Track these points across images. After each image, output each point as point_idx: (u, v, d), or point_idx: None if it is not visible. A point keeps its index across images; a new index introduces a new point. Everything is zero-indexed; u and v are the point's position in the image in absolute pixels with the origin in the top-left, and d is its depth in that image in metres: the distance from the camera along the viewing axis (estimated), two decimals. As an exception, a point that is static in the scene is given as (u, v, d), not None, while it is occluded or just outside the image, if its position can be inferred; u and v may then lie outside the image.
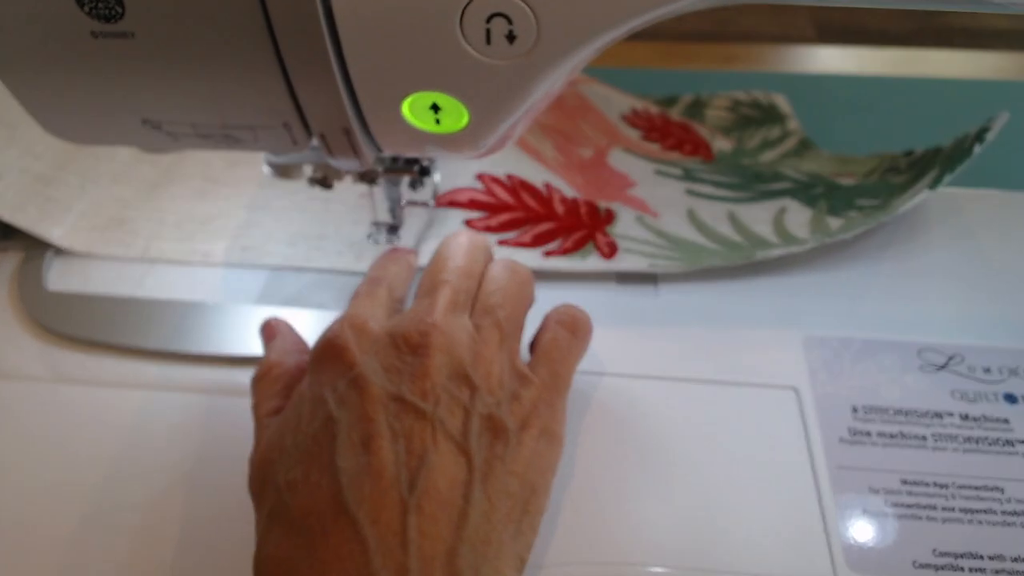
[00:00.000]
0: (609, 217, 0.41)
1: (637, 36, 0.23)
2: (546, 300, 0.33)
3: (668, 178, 0.45)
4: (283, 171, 0.32)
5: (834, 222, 0.40)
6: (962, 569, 0.28)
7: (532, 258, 0.38)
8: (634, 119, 0.52)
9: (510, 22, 0.21)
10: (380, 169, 0.34)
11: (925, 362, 0.35)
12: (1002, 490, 0.30)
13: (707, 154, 0.51)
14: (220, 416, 0.34)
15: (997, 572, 0.28)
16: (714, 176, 0.45)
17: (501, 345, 0.28)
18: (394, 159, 0.34)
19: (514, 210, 0.41)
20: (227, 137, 0.26)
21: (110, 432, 0.33)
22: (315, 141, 0.26)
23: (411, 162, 0.34)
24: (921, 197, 0.38)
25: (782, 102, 0.54)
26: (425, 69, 0.23)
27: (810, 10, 1.45)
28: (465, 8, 0.21)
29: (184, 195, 0.43)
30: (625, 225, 0.41)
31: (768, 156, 0.49)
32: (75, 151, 0.44)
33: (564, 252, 0.39)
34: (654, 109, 0.53)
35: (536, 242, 0.39)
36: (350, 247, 0.40)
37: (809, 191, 0.43)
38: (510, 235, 0.40)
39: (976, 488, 0.30)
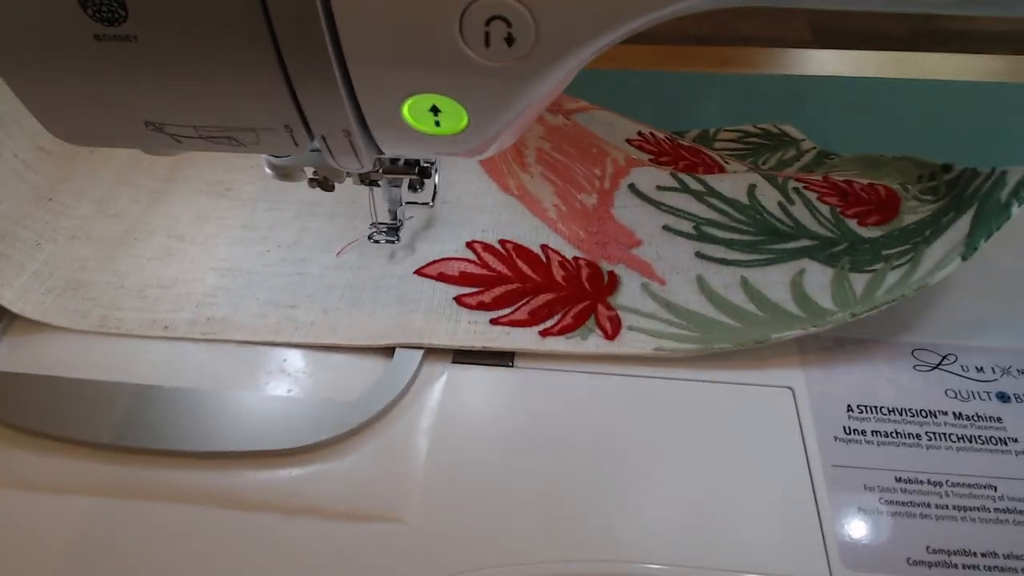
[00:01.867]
0: (612, 284, 0.38)
1: (634, 39, 0.23)
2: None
3: (677, 236, 0.40)
4: (284, 173, 0.33)
5: (858, 281, 0.37)
6: (955, 566, 0.28)
7: (529, 338, 0.35)
8: (641, 143, 0.49)
9: (509, 25, 0.21)
10: (380, 170, 0.34)
11: (919, 361, 0.35)
12: (995, 488, 0.30)
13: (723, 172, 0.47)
14: (182, 529, 0.29)
15: (990, 569, 0.28)
16: (727, 233, 0.40)
17: None
18: (394, 160, 0.34)
19: (509, 281, 0.38)
20: (229, 139, 0.26)
21: (47, 553, 0.29)
22: (316, 143, 0.26)
23: (411, 163, 0.34)
24: (952, 267, 0.34)
25: (793, 130, 0.52)
26: (425, 71, 0.23)
27: (807, 13, 1.45)
28: (464, 11, 0.21)
29: (147, 255, 0.40)
30: (630, 295, 0.37)
31: (787, 172, 0.47)
32: (31, 204, 0.40)
33: (563, 331, 0.36)
34: (661, 133, 0.51)
35: (534, 318, 0.36)
36: (325, 315, 0.37)
37: (830, 248, 0.39)
38: (505, 311, 0.36)
39: (969, 486, 0.30)
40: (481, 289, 0.37)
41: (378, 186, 0.36)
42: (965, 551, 0.29)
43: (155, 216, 0.42)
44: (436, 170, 0.36)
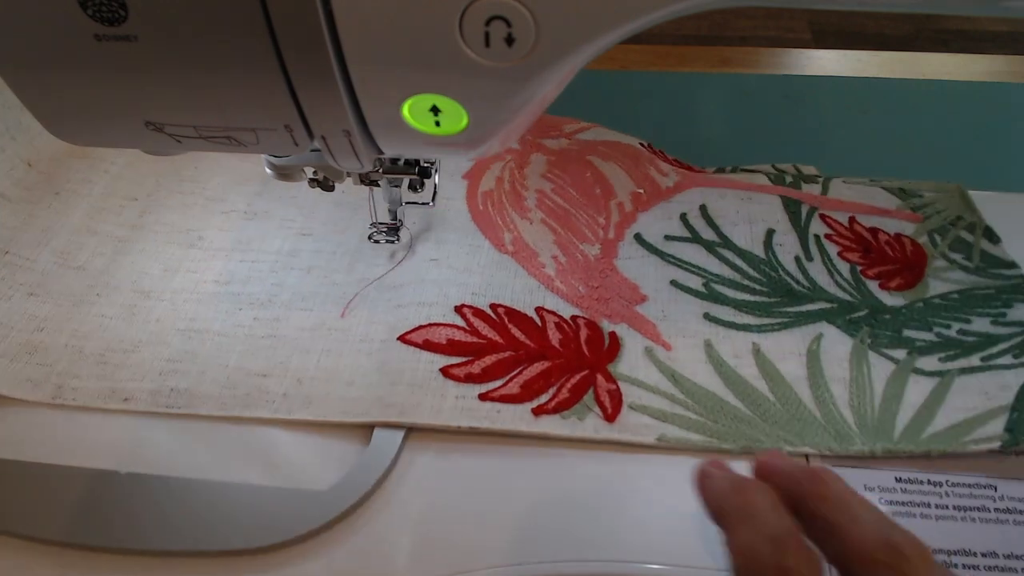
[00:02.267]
0: (614, 348, 0.35)
1: (634, 39, 0.23)
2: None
3: (684, 293, 0.38)
4: (284, 173, 0.33)
5: (879, 365, 0.34)
6: (956, 566, 0.28)
7: (521, 417, 0.32)
8: (653, 149, 0.46)
9: (509, 25, 0.21)
10: (380, 170, 0.34)
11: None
12: (995, 488, 0.30)
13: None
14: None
15: (990, 569, 0.28)
16: (738, 293, 0.37)
17: None
18: (394, 160, 0.34)
19: (501, 349, 0.35)
20: (229, 139, 0.26)
21: None
22: (316, 143, 0.26)
23: (411, 163, 0.34)
24: (989, 446, 0.31)
25: (813, 171, 0.47)
26: (425, 72, 0.23)
27: (806, 13, 1.45)
28: (464, 11, 0.21)
29: (110, 313, 0.37)
30: (632, 362, 0.35)
31: (814, 194, 0.43)
32: None
33: (559, 407, 0.32)
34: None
35: (527, 392, 0.33)
36: (299, 385, 0.34)
37: (849, 313, 0.37)
38: (496, 384, 0.33)
39: (969, 486, 0.30)
40: (470, 359, 0.34)
41: (378, 186, 0.36)
42: (965, 551, 0.29)
43: (120, 268, 0.39)
44: (436, 170, 0.36)
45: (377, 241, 0.39)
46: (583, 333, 0.36)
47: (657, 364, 0.34)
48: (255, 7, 0.21)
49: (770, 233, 0.40)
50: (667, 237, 0.40)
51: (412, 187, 0.36)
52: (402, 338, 0.35)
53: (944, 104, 0.54)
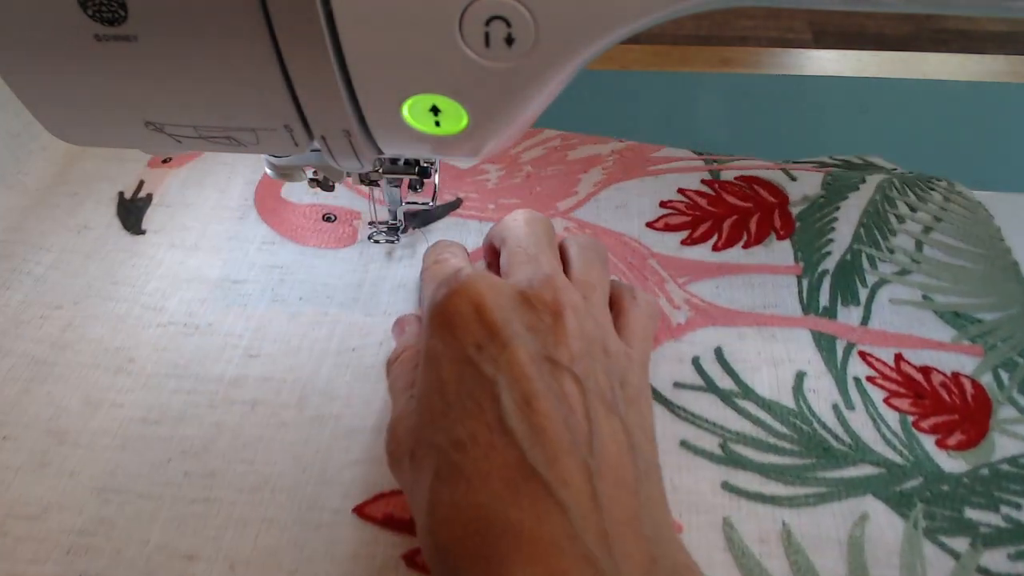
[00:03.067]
0: None
1: (634, 39, 0.23)
2: None
3: (697, 456, 0.31)
4: (284, 173, 0.33)
5: (936, 562, 0.28)
6: None
7: None
8: (675, 211, 0.41)
9: (509, 25, 0.21)
10: (380, 170, 0.34)
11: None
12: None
13: (786, 222, 0.39)
14: None
15: None
16: (764, 455, 0.31)
17: (604, 312, 0.29)
18: (394, 160, 0.34)
19: None
20: (229, 139, 0.26)
21: None
22: (316, 143, 0.26)
23: (411, 163, 0.34)
24: None
25: (881, 161, 0.43)
26: (425, 72, 0.23)
27: (806, 13, 1.45)
28: (464, 11, 0.21)
29: (16, 464, 0.31)
30: None
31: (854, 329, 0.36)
32: None
33: None
34: (700, 179, 0.42)
35: None
36: (230, 572, 0.28)
37: (900, 482, 0.30)
38: None
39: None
40: None
41: (378, 186, 0.36)
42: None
43: (34, 402, 0.33)
44: (436, 170, 0.36)
45: (377, 241, 0.39)
46: None
47: None
48: (255, 7, 0.21)
49: (800, 376, 0.34)
50: (676, 384, 0.34)
51: (412, 187, 0.36)
52: (358, 510, 0.29)
53: (944, 104, 0.54)
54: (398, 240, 0.39)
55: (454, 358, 0.26)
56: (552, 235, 0.32)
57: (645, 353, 0.30)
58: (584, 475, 0.23)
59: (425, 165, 0.34)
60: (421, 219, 0.41)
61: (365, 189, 0.43)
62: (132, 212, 0.42)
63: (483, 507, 0.23)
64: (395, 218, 0.39)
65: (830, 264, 0.38)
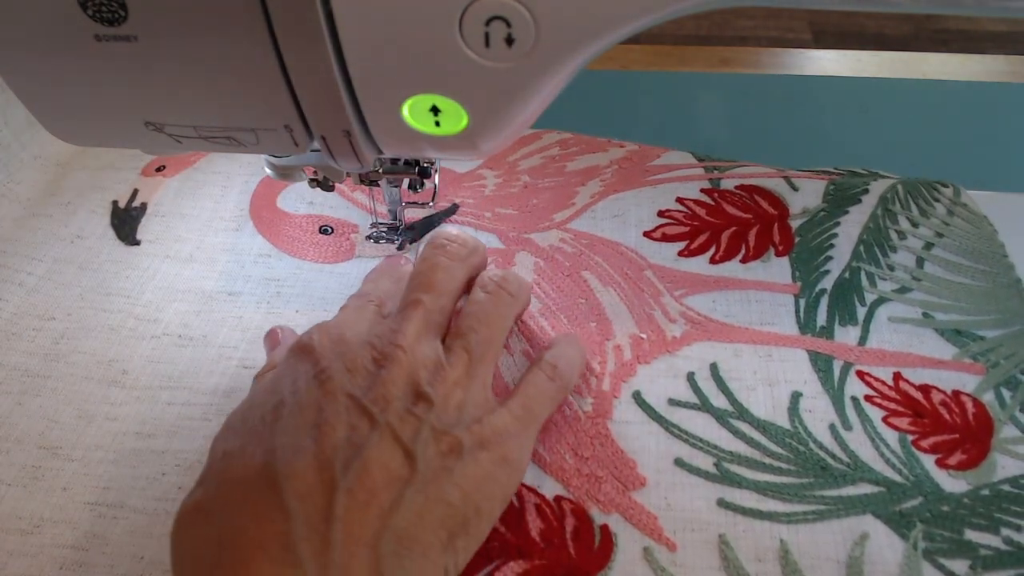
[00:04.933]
0: (606, 549, 0.28)
1: (634, 39, 0.23)
2: None
3: (692, 475, 0.31)
4: (284, 173, 0.33)
5: None
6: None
7: None
8: (673, 221, 0.41)
9: (509, 25, 0.21)
10: (380, 170, 0.34)
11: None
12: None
13: (785, 237, 0.39)
14: None
15: None
16: (759, 474, 0.31)
17: (469, 370, 0.29)
18: (394, 160, 0.34)
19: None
20: (229, 139, 0.26)
21: None
22: (316, 143, 0.26)
23: (411, 163, 0.34)
24: None
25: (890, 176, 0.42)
26: (425, 72, 0.23)
27: (806, 13, 1.45)
28: (464, 11, 0.21)
29: (9, 479, 0.31)
30: (627, 568, 0.28)
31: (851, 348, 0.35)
32: None
33: None
34: (701, 187, 0.41)
35: None
36: None
37: (900, 501, 0.30)
38: None
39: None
40: None
41: (378, 186, 0.36)
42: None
43: (26, 416, 0.33)
44: (436, 170, 0.36)
45: (377, 241, 0.39)
46: (569, 524, 0.29)
47: (659, 571, 0.28)
48: (255, 7, 0.21)
49: (796, 397, 0.33)
50: (671, 401, 0.33)
51: (412, 187, 0.36)
52: None
53: (944, 104, 0.54)
54: (398, 239, 0.39)
55: (272, 385, 0.28)
56: (451, 281, 0.31)
57: (527, 411, 0.29)
58: (326, 488, 0.24)
59: (425, 165, 0.34)
60: (418, 230, 0.41)
61: (362, 199, 0.43)
62: (126, 222, 0.42)
63: (213, 512, 0.24)
64: (395, 218, 0.39)
65: (828, 283, 0.37)
